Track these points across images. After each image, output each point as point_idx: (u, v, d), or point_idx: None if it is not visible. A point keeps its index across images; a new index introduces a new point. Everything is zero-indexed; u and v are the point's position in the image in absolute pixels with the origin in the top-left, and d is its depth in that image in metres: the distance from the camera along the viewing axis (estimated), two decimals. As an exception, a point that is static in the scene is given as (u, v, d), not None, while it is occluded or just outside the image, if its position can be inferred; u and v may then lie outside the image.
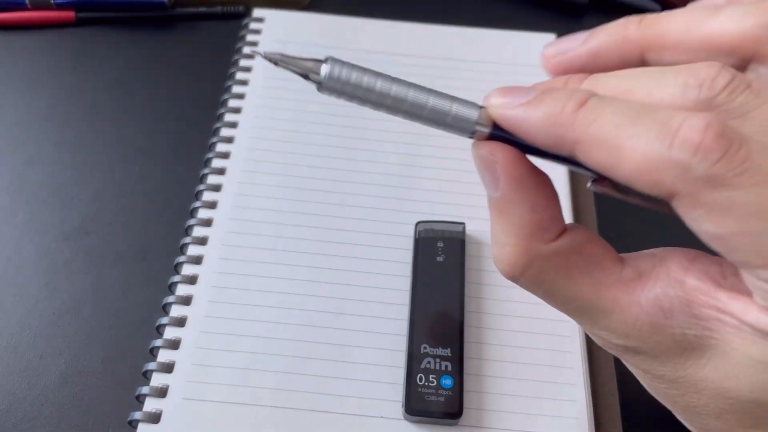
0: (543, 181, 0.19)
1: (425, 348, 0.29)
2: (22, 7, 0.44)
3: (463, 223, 0.33)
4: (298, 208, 0.34)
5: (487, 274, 0.33)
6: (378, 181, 0.36)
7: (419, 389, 0.28)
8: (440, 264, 0.31)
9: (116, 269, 0.33)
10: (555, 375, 0.30)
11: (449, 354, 0.29)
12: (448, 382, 0.28)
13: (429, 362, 0.28)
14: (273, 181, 0.35)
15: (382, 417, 0.28)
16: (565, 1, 0.48)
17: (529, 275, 0.19)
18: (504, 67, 0.37)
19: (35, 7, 0.44)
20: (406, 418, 0.28)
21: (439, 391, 0.28)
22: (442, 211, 0.34)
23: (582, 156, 0.17)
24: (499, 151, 0.19)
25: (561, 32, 0.43)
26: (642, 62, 0.21)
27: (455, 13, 0.44)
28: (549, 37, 0.42)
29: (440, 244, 0.32)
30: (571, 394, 0.29)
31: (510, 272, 0.19)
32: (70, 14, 0.44)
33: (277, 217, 0.34)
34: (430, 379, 0.28)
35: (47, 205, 0.36)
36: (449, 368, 0.28)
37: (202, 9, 0.45)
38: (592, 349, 0.31)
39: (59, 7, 0.44)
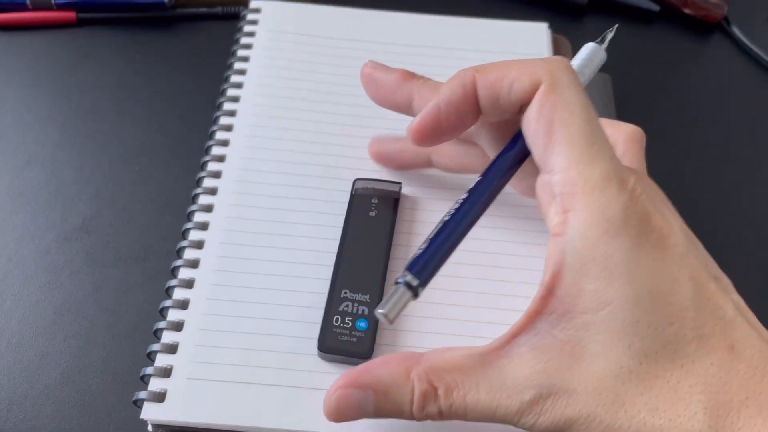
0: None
1: (345, 293, 0.31)
2: (22, 8, 0.44)
3: (399, 183, 0.35)
4: (296, 194, 0.35)
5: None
6: (373, 167, 0.36)
7: (334, 329, 0.29)
8: (372, 218, 0.33)
9: (117, 269, 0.34)
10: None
11: (368, 300, 0.30)
12: (362, 324, 0.30)
13: (347, 306, 0.30)
14: (273, 167, 0.36)
15: None
16: (564, 2, 0.48)
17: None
18: (499, 56, 0.38)
19: (36, 8, 0.44)
20: (319, 356, 0.29)
21: (353, 333, 0.29)
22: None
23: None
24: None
25: (560, 33, 0.44)
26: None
27: (453, 10, 0.44)
28: (541, 26, 0.43)
29: (374, 201, 0.34)
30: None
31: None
32: (70, 15, 0.44)
33: (276, 203, 0.34)
34: (346, 321, 0.30)
35: (48, 205, 0.36)
36: (366, 312, 0.30)
37: (203, 9, 0.45)
38: None
39: (60, 7, 0.44)
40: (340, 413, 0.24)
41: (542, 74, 0.24)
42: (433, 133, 0.27)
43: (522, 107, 0.24)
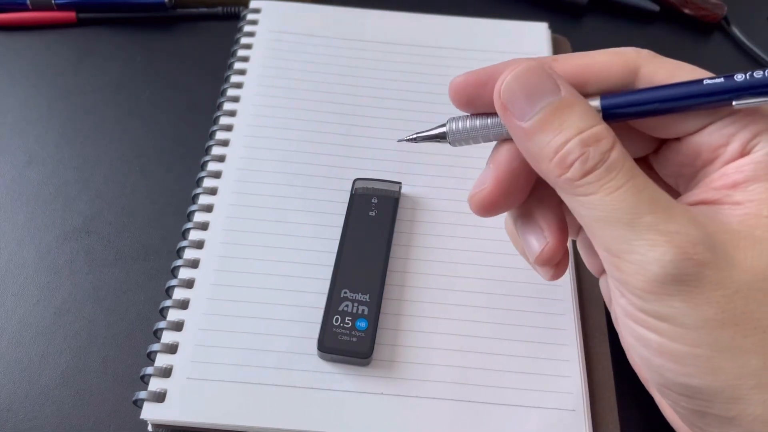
0: None
1: (345, 293, 0.31)
2: (23, 8, 0.44)
3: (399, 183, 0.35)
4: (296, 193, 0.35)
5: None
6: (373, 167, 0.36)
7: (334, 329, 0.30)
8: (372, 218, 0.33)
9: (117, 268, 0.34)
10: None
11: (368, 299, 0.31)
12: (362, 324, 0.30)
13: (347, 306, 0.30)
14: (273, 167, 0.36)
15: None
16: (564, 2, 0.48)
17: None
18: (499, 55, 0.38)
19: (36, 8, 0.44)
20: (319, 356, 0.30)
21: (353, 333, 0.30)
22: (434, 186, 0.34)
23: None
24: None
25: (560, 33, 0.44)
26: None
27: (453, 10, 0.44)
28: (541, 26, 0.43)
29: (374, 201, 0.34)
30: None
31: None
32: (70, 15, 0.44)
33: (276, 203, 0.34)
34: (346, 321, 0.30)
35: (48, 204, 0.36)
36: (366, 312, 0.30)
37: (203, 9, 0.45)
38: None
39: (60, 7, 0.44)
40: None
41: (632, 54, 0.23)
42: (477, 89, 0.23)
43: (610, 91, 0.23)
